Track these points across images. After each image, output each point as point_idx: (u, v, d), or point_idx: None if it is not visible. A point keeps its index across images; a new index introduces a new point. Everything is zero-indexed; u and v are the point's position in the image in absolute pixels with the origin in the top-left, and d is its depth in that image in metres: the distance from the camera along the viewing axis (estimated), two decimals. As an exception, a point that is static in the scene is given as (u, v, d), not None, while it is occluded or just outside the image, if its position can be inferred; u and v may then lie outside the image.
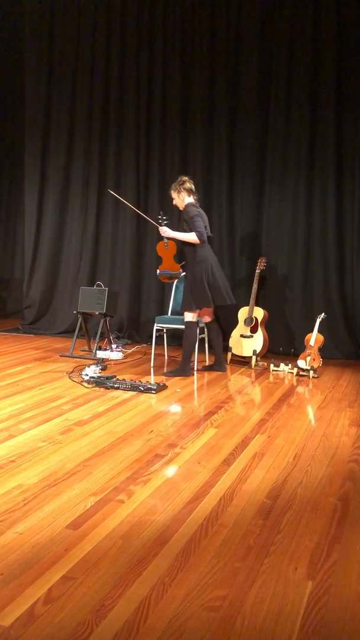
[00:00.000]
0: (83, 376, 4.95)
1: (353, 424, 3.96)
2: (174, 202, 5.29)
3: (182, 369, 5.27)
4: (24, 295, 7.61)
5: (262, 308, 5.96)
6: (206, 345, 5.89)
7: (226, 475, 3.01)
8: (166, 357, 6.10)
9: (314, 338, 5.46)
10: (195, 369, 5.45)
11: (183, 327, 5.33)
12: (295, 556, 2.26)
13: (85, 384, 4.80)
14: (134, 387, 4.63)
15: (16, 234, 8.74)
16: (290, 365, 5.56)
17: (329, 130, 6.10)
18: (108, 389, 4.68)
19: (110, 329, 6.22)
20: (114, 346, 6.11)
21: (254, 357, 5.70)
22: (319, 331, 5.57)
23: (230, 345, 5.86)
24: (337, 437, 3.69)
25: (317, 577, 2.12)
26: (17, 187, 8.56)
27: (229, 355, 5.88)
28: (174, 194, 5.23)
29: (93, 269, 7.24)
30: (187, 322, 5.21)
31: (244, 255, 6.55)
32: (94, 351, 5.83)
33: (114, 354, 5.91)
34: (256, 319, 5.83)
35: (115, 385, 4.68)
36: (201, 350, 5.80)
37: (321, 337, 5.50)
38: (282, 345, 6.27)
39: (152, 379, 5.12)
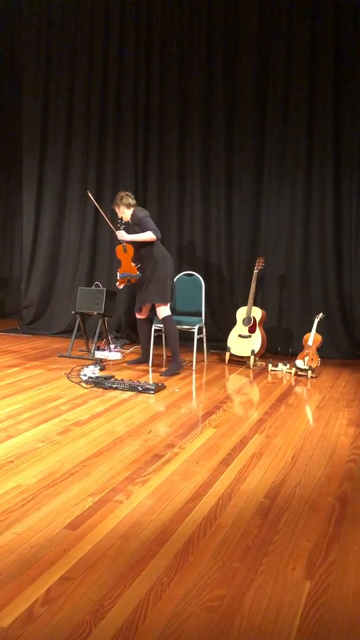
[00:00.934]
0: (81, 376, 4.95)
1: (351, 424, 3.96)
2: (119, 216, 5.47)
3: (177, 364, 5.33)
4: (22, 295, 7.61)
5: (260, 308, 5.97)
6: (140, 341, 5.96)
7: (224, 475, 3.02)
8: (164, 357, 6.10)
9: (312, 338, 5.47)
10: (184, 364, 5.46)
11: (183, 327, 5.40)
12: (294, 556, 2.26)
13: (84, 385, 4.80)
14: (132, 388, 4.63)
15: (14, 234, 8.74)
16: (288, 365, 5.57)
17: (327, 131, 6.11)
18: (106, 389, 4.68)
19: (108, 329, 6.23)
20: (112, 346, 6.11)
21: (252, 357, 5.70)
22: (317, 331, 5.58)
23: (228, 345, 5.87)
24: (335, 437, 3.69)
25: (315, 577, 2.12)
26: (15, 187, 8.55)
27: (227, 355, 5.88)
28: (116, 210, 5.46)
29: (91, 269, 7.24)
30: (164, 317, 5.32)
31: (242, 255, 6.55)
32: (92, 351, 5.83)
33: (112, 354, 5.91)
34: (254, 319, 5.83)
35: (114, 386, 4.68)
36: (157, 344, 5.77)
37: (319, 337, 5.50)
38: (281, 345, 6.28)
39: (151, 378, 5.12)
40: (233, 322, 6.02)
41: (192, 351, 5.65)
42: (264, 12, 6.27)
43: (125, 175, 7.00)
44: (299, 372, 5.44)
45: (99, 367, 5.26)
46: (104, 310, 5.85)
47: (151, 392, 4.59)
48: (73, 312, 6.03)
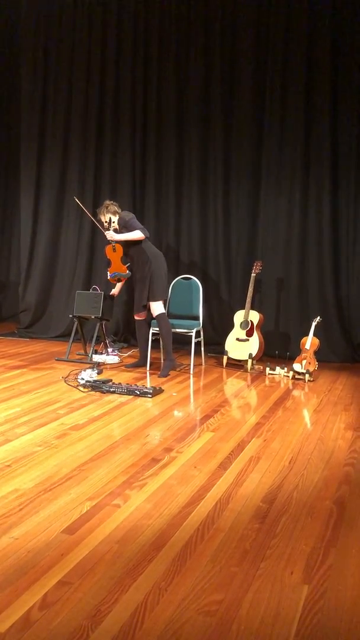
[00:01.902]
0: (79, 380, 4.95)
1: (349, 428, 3.97)
2: (104, 222, 5.53)
3: (172, 363, 5.43)
4: (20, 299, 7.60)
5: (258, 312, 5.97)
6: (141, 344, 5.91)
7: (222, 479, 3.01)
8: (162, 360, 6.09)
9: (310, 341, 5.47)
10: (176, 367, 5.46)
11: (180, 330, 5.41)
12: (291, 560, 2.26)
13: (81, 388, 4.79)
14: (129, 391, 4.63)
15: (12, 238, 8.73)
16: (286, 368, 5.57)
17: (324, 136, 6.12)
18: (104, 393, 4.68)
19: (106, 332, 6.22)
20: (109, 350, 6.11)
21: (249, 361, 5.70)
22: (315, 335, 5.58)
23: (226, 348, 5.87)
24: (333, 440, 3.69)
25: (313, 581, 2.12)
26: (12, 191, 8.55)
27: (225, 358, 5.88)
28: (102, 218, 5.52)
29: (89, 272, 7.23)
30: (158, 315, 5.40)
31: (239, 259, 6.56)
32: (89, 355, 5.83)
33: (110, 357, 5.90)
34: (252, 323, 5.84)
35: (111, 390, 4.67)
36: (155, 348, 5.80)
37: (317, 341, 5.51)
38: (278, 348, 6.28)
39: (149, 382, 5.12)
40: (231, 326, 6.02)
41: (190, 355, 5.65)
42: (262, 19, 6.29)
43: (122, 180, 7.00)
44: (297, 376, 5.44)
45: (96, 371, 5.25)
46: (102, 314, 5.84)
47: (149, 395, 4.58)
48: (71, 315, 6.03)
